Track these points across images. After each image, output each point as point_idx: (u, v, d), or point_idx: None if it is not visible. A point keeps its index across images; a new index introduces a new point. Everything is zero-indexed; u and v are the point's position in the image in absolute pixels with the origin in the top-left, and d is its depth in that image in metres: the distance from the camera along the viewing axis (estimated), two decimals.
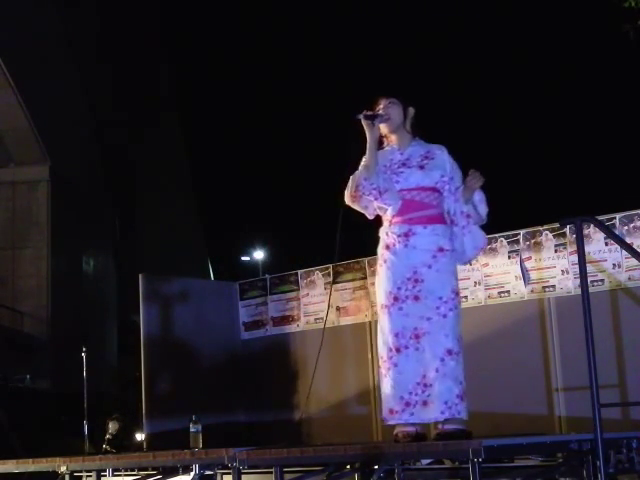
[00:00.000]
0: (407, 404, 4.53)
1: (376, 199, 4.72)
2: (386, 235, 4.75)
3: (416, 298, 4.58)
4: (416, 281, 4.59)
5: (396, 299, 4.61)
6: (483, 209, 4.77)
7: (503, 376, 6.34)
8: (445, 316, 4.54)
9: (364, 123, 4.71)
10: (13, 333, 19.38)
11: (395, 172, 4.72)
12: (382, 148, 4.85)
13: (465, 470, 3.95)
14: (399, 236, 4.67)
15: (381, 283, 4.71)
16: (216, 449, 5.02)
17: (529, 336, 6.38)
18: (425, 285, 4.58)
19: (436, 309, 4.55)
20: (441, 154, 4.78)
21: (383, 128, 4.78)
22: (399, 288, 4.60)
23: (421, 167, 4.72)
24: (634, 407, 5.71)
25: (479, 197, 4.74)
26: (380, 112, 4.74)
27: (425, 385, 4.51)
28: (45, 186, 20.68)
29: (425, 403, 4.51)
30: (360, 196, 4.74)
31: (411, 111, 4.83)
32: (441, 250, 4.62)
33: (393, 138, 4.84)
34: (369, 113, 4.72)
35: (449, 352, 4.50)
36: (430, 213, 4.69)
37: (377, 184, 4.68)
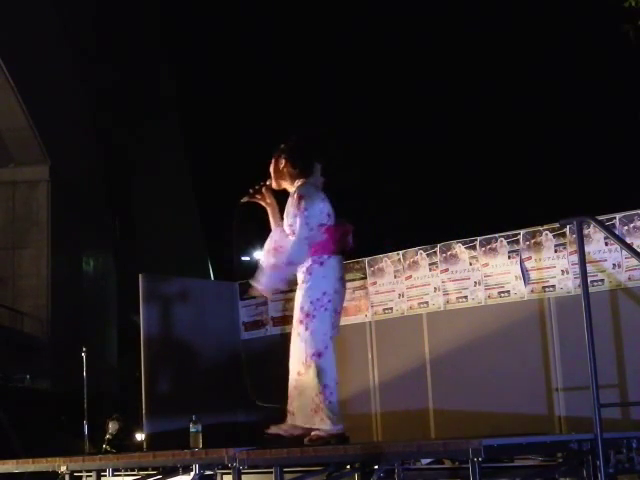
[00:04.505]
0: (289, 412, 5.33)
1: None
2: None
3: None
4: None
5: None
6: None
7: (503, 376, 6.33)
8: (294, 343, 5.33)
9: (256, 201, 5.43)
10: (13, 333, 19.37)
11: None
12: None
13: (465, 470, 3.97)
14: None
15: None
16: (216, 449, 5.03)
17: (529, 336, 6.37)
18: None
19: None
20: (289, 200, 5.34)
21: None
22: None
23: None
24: (634, 407, 5.70)
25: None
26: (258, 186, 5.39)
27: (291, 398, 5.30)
28: (45, 186, 20.68)
29: (292, 413, 5.32)
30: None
31: (280, 161, 5.34)
32: (297, 284, 5.35)
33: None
34: (251, 191, 5.39)
35: (299, 374, 5.30)
36: None
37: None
